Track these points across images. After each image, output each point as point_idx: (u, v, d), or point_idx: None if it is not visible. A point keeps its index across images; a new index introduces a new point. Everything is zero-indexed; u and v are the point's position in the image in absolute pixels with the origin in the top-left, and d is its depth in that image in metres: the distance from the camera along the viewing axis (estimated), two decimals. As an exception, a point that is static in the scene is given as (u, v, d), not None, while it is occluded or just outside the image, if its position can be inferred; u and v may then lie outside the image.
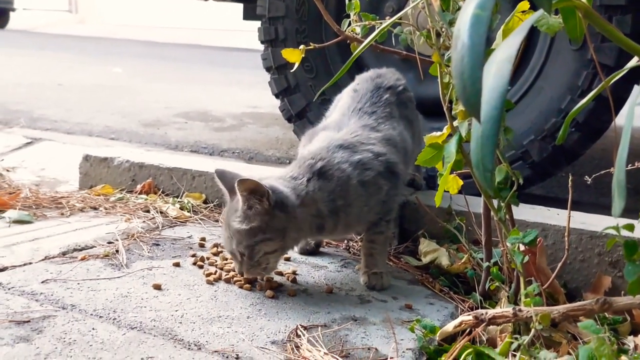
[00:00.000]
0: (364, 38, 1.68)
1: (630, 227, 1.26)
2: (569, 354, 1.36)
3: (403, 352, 1.39)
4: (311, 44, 1.76)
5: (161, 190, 2.47)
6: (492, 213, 1.51)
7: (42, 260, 1.74)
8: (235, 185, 1.57)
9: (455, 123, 1.46)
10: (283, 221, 1.63)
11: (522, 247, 1.43)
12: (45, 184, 2.69)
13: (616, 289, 1.74)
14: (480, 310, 1.38)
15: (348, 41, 1.78)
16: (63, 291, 1.54)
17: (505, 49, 0.87)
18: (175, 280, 1.69)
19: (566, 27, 1.13)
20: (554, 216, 1.97)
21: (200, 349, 1.33)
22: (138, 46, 13.54)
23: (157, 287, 1.62)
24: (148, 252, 1.88)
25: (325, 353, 1.35)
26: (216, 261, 1.84)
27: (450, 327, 1.42)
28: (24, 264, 1.70)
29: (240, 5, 4.58)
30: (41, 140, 3.54)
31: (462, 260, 1.84)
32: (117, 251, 1.85)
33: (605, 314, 1.53)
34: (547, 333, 1.42)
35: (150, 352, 1.29)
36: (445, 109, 1.50)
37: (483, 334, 1.46)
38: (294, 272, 1.80)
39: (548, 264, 1.68)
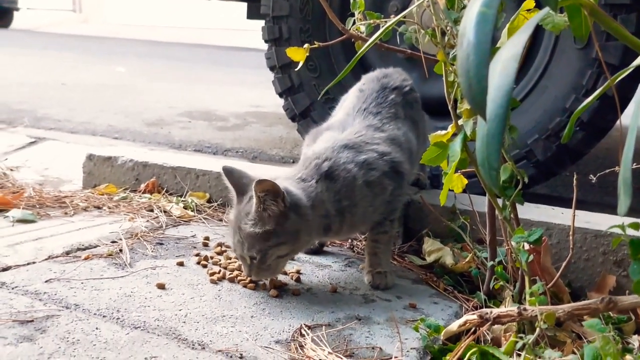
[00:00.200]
0: (369, 37, 1.68)
1: (636, 226, 1.25)
2: (574, 353, 1.36)
3: (407, 351, 1.39)
4: (315, 42, 1.76)
5: (165, 189, 2.47)
6: (496, 212, 1.50)
7: (46, 259, 1.74)
8: (253, 186, 1.54)
9: (460, 122, 1.46)
10: (296, 224, 1.61)
11: (526, 246, 1.43)
12: (48, 184, 2.69)
13: (621, 288, 1.73)
14: (484, 310, 1.38)
15: (352, 40, 1.78)
16: (66, 291, 1.54)
17: (511, 47, 0.87)
18: (179, 279, 1.69)
19: (571, 25, 1.12)
20: (559, 215, 1.96)
21: (204, 348, 1.33)
22: (141, 46, 13.55)
23: (161, 287, 1.62)
24: (152, 251, 1.88)
25: (329, 352, 1.34)
26: (220, 260, 1.83)
27: (454, 326, 1.41)
28: (28, 264, 1.70)
29: (244, 5, 4.58)
30: (45, 139, 3.54)
31: (467, 260, 1.83)
32: (120, 250, 1.85)
33: (610, 313, 1.53)
34: (552, 332, 1.42)
35: (154, 351, 1.29)
36: (450, 107, 1.50)
37: (487, 334, 1.46)
38: (298, 272, 1.80)
39: (552, 263, 1.67)
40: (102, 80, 7.00)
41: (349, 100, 2.03)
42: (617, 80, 1.21)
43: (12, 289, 1.53)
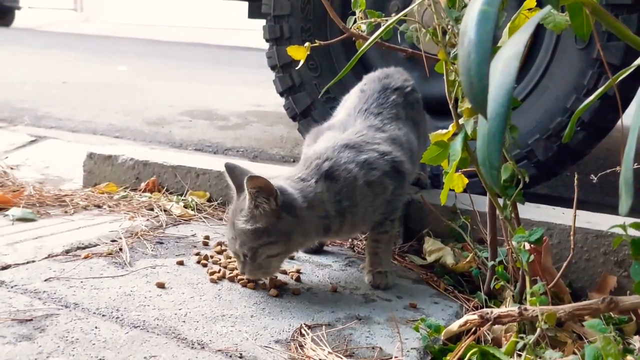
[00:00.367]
0: (370, 36, 1.67)
1: (637, 226, 1.25)
2: (575, 353, 1.35)
3: (408, 351, 1.39)
4: (317, 41, 1.76)
5: (165, 188, 2.47)
6: (497, 211, 1.50)
7: (45, 258, 1.74)
8: (245, 181, 1.54)
9: (461, 121, 1.45)
10: (289, 224, 1.61)
11: (527, 246, 1.42)
12: (49, 182, 2.69)
13: (621, 289, 1.73)
14: (485, 310, 1.38)
15: (353, 39, 1.77)
16: (66, 289, 1.54)
17: (512, 46, 0.87)
18: (179, 278, 1.68)
19: (573, 24, 1.12)
20: (559, 215, 1.96)
21: (203, 347, 1.32)
22: (143, 45, 13.55)
23: (161, 286, 1.62)
24: (152, 250, 1.88)
25: (329, 352, 1.34)
26: (220, 260, 1.83)
27: (455, 326, 1.41)
28: (27, 262, 1.70)
29: (245, 4, 4.58)
30: (45, 138, 3.54)
31: (467, 259, 1.83)
32: (120, 249, 1.84)
33: (611, 313, 1.53)
34: (553, 333, 1.41)
35: (154, 350, 1.29)
36: (450, 106, 1.49)
37: (488, 334, 1.45)
38: (298, 271, 1.79)
39: (553, 264, 1.67)
40: (103, 79, 7.00)
41: (350, 101, 2.03)
42: (618, 80, 1.21)
43: (12, 287, 1.52)
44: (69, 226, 2.03)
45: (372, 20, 1.69)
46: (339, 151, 1.73)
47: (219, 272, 1.73)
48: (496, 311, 1.35)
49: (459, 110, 1.47)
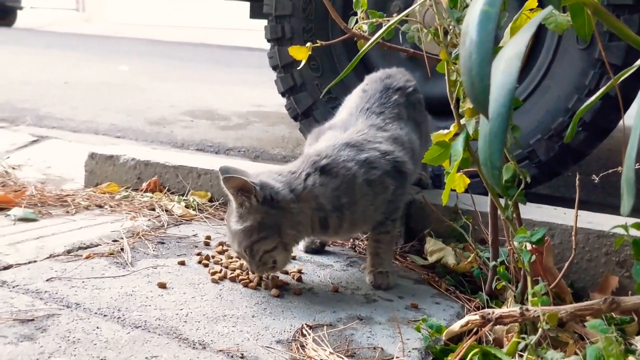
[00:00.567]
0: (371, 36, 1.67)
1: (639, 226, 1.25)
2: (576, 354, 1.35)
3: (409, 351, 1.39)
4: (318, 41, 1.76)
5: (167, 188, 2.47)
6: (499, 212, 1.50)
7: (47, 258, 1.74)
8: (221, 182, 1.58)
9: (462, 121, 1.45)
10: (275, 217, 1.62)
11: (529, 246, 1.42)
12: (50, 182, 2.69)
13: (623, 289, 1.72)
14: (487, 310, 1.38)
15: (355, 39, 1.77)
16: (68, 289, 1.54)
17: (514, 46, 0.87)
18: (180, 278, 1.69)
19: (574, 24, 1.12)
20: (561, 215, 1.95)
21: (205, 348, 1.32)
22: (144, 45, 13.56)
23: (162, 286, 1.62)
24: (153, 250, 1.88)
25: (330, 352, 1.34)
26: (221, 260, 1.83)
27: (456, 326, 1.41)
28: (29, 262, 1.70)
29: (247, 4, 4.58)
30: (47, 138, 3.54)
31: (469, 260, 1.83)
32: (122, 249, 1.84)
33: (613, 314, 1.52)
34: (554, 333, 1.41)
35: (155, 351, 1.29)
36: (452, 106, 1.49)
37: (489, 334, 1.45)
38: (300, 271, 1.79)
39: (555, 264, 1.66)
40: (105, 79, 7.01)
41: (352, 101, 2.03)
42: (619, 81, 1.20)
43: (13, 287, 1.53)
44: (70, 226, 2.03)
45: (374, 20, 1.69)
46: (339, 149, 1.73)
47: (220, 272, 1.73)
48: (498, 311, 1.35)
49: (460, 110, 1.47)
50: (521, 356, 1.29)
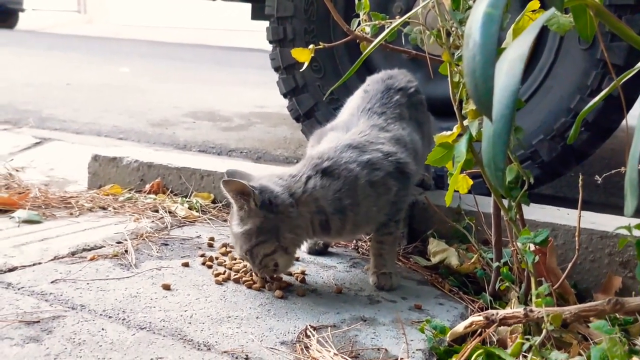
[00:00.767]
0: (373, 38, 1.67)
1: (643, 227, 1.25)
2: (580, 354, 1.35)
3: (413, 352, 1.39)
4: (321, 43, 1.76)
5: (170, 190, 2.47)
6: (502, 213, 1.50)
7: (52, 260, 1.75)
8: (222, 186, 1.60)
9: (465, 122, 1.45)
10: (273, 221, 1.63)
11: (532, 247, 1.42)
12: (54, 184, 2.69)
13: (627, 290, 1.73)
14: (491, 311, 1.38)
15: (357, 41, 1.77)
16: (72, 291, 1.55)
17: (517, 48, 0.87)
18: (184, 280, 1.69)
19: (577, 25, 1.12)
20: (564, 216, 1.96)
21: (209, 349, 1.33)
22: (145, 46, 13.58)
23: (166, 287, 1.62)
24: (157, 252, 1.88)
25: (335, 353, 1.34)
26: (225, 261, 1.83)
27: (460, 327, 1.41)
28: (34, 264, 1.70)
29: (248, 5, 4.59)
30: (50, 140, 3.55)
31: (472, 261, 1.83)
32: (126, 251, 1.85)
33: (617, 314, 1.52)
34: (558, 334, 1.41)
35: (160, 352, 1.29)
36: (455, 108, 1.49)
37: (493, 335, 1.45)
38: (303, 272, 1.80)
39: (558, 265, 1.67)
40: (107, 81, 7.02)
41: (354, 101, 2.04)
42: (622, 81, 1.21)
43: (19, 289, 1.53)
44: (74, 228, 2.04)
45: (377, 22, 1.69)
46: (341, 151, 1.73)
47: (224, 273, 1.73)
48: (502, 312, 1.35)
49: (463, 111, 1.47)
50: (525, 357, 1.29)
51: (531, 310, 1.31)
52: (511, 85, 0.82)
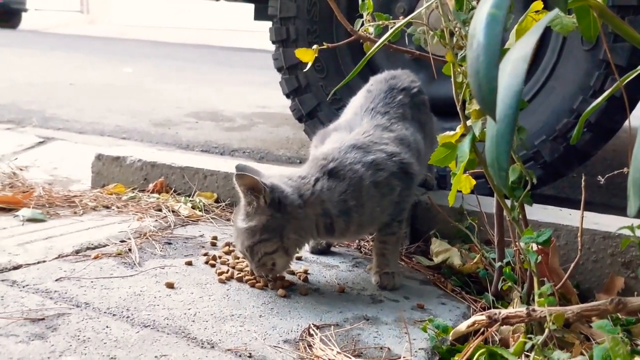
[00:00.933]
0: (377, 38, 1.68)
1: (645, 227, 1.26)
2: (582, 354, 1.36)
3: (416, 351, 1.39)
4: (324, 43, 1.77)
5: (173, 189, 2.48)
6: (504, 213, 1.51)
7: (56, 258, 1.75)
8: (234, 179, 1.60)
9: (468, 122, 1.46)
10: (280, 221, 1.63)
11: (535, 247, 1.43)
12: (57, 183, 2.70)
13: (629, 290, 1.73)
14: (493, 310, 1.38)
15: (360, 41, 1.78)
16: (77, 289, 1.55)
17: (521, 48, 0.87)
18: (188, 278, 1.70)
19: (580, 26, 1.13)
20: (567, 216, 1.96)
21: (213, 347, 1.33)
22: (148, 46, 13.59)
23: (170, 286, 1.63)
24: (160, 250, 1.89)
25: (337, 352, 1.35)
26: (228, 260, 1.84)
27: (463, 326, 1.41)
28: (38, 262, 1.71)
29: (251, 6, 4.59)
30: (53, 139, 3.56)
31: (474, 260, 1.83)
32: (129, 250, 1.85)
33: (619, 314, 1.53)
34: (560, 334, 1.42)
35: (164, 350, 1.30)
36: (458, 108, 1.50)
37: (495, 334, 1.46)
38: (306, 272, 1.80)
39: (560, 265, 1.67)
40: (110, 81, 7.03)
41: (357, 101, 2.04)
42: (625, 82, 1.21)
43: (23, 287, 1.54)
44: (78, 227, 2.05)
45: (380, 22, 1.70)
46: (345, 152, 1.74)
47: (227, 272, 1.74)
48: (504, 312, 1.36)
49: (466, 112, 1.48)
50: (528, 356, 1.29)
51: (534, 310, 1.31)
52: (514, 85, 0.83)
